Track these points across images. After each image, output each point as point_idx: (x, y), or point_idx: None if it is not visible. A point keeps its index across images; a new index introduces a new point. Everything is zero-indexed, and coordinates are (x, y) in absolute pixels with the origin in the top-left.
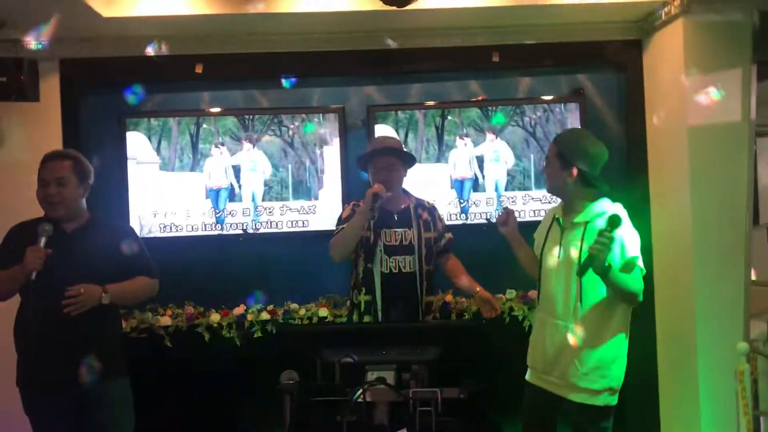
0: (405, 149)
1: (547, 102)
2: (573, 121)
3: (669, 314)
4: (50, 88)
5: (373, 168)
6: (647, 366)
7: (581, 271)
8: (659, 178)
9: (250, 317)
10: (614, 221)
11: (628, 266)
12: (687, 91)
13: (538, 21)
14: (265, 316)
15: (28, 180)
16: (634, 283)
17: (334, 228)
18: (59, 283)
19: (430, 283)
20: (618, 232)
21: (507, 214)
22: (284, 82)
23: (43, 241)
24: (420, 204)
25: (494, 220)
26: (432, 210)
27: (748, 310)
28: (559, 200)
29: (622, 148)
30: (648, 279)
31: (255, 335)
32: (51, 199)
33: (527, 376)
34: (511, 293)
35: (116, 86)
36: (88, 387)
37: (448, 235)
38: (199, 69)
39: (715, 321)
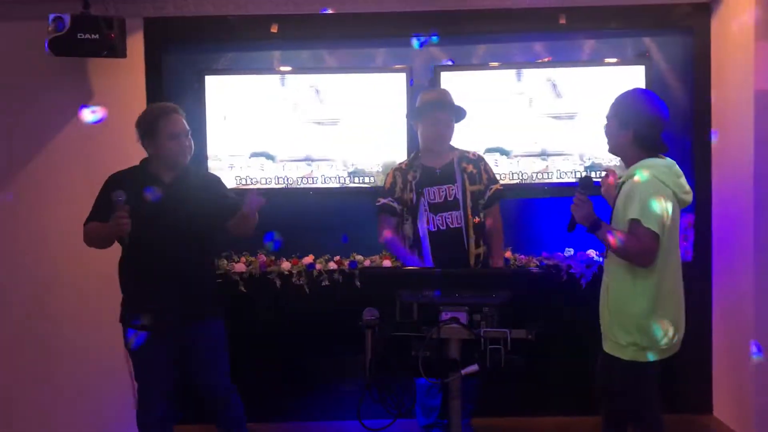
0: (454, 103)
1: (612, 65)
2: (638, 84)
3: (726, 278)
4: (135, 45)
5: (423, 122)
6: (701, 322)
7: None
8: (723, 143)
9: (318, 266)
10: (583, 183)
11: (631, 226)
12: (756, 56)
13: None
14: (332, 266)
15: (115, 130)
16: (631, 243)
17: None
18: (163, 230)
19: (479, 236)
20: (632, 194)
21: (607, 175)
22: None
23: (122, 203)
24: (464, 156)
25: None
26: (477, 161)
27: None
28: None
29: (686, 113)
30: (706, 243)
31: (323, 284)
32: (186, 150)
33: None
34: (569, 251)
35: (196, 44)
36: (190, 328)
37: (495, 186)
38: (274, 29)
39: None
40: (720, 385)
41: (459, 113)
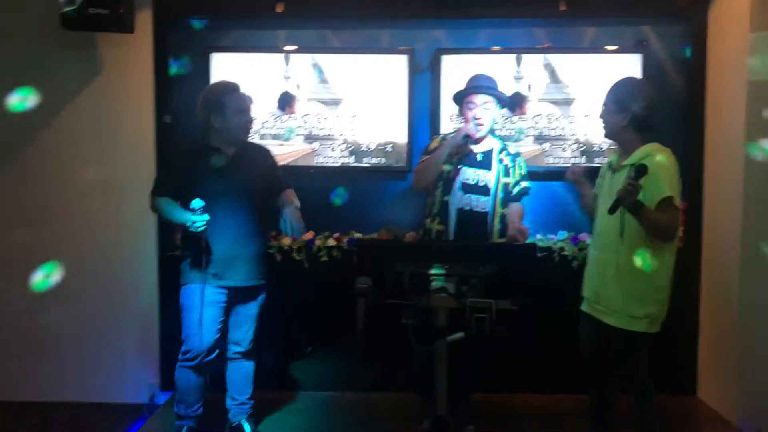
0: (497, 88)
1: (610, 52)
2: (635, 72)
3: (714, 263)
4: (144, 20)
5: (468, 104)
6: (689, 306)
7: (611, 209)
8: (716, 131)
9: (318, 243)
10: (639, 171)
11: (663, 204)
12: (751, 46)
13: None
14: (331, 242)
15: (123, 101)
16: (666, 220)
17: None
18: (225, 200)
19: (503, 226)
20: (657, 174)
21: (576, 168)
22: None
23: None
24: (504, 148)
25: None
26: (514, 156)
27: None
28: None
29: (681, 101)
30: (697, 228)
31: (321, 259)
32: (249, 126)
33: (581, 306)
34: (562, 234)
35: (202, 21)
36: (244, 290)
37: (524, 183)
38: (280, 8)
39: (757, 272)
40: (705, 368)
41: (505, 102)
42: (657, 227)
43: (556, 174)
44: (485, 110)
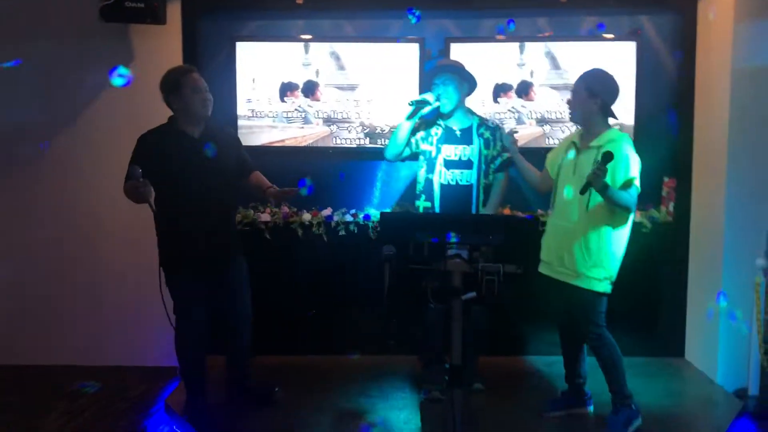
0: (466, 71)
1: (607, 40)
2: (630, 58)
3: (701, 237)
4: (173, 12)
5: (432, 85)
6: (678, 276)
7: (583, 190)
8: (703, 115)
9: (336, 218)
10: (606, 157)
11: (626, 184)
12: (734, 37)
13: None
14: (349, 218)
15: (154, 89)
16: (628, 198)
17: None
18: (195, 180)
19: (486, 196)
20: (626, 158)
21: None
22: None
23: (139, 176)
24: (483, 123)
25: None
26: (494, 129)
27: None
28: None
29: (672, 87)
30: (686, 205)
31: (339, 233)
32: (207, 103)
33: (540, 269)
34: None
35: (228, 13)
36: (220, 267)
37: (506, 155)
38: (300, 0)
39: (740, 245)
40: (692, 332)
41: (470, 81)
42: (621, 203)
43: None
44: (443, 86)
